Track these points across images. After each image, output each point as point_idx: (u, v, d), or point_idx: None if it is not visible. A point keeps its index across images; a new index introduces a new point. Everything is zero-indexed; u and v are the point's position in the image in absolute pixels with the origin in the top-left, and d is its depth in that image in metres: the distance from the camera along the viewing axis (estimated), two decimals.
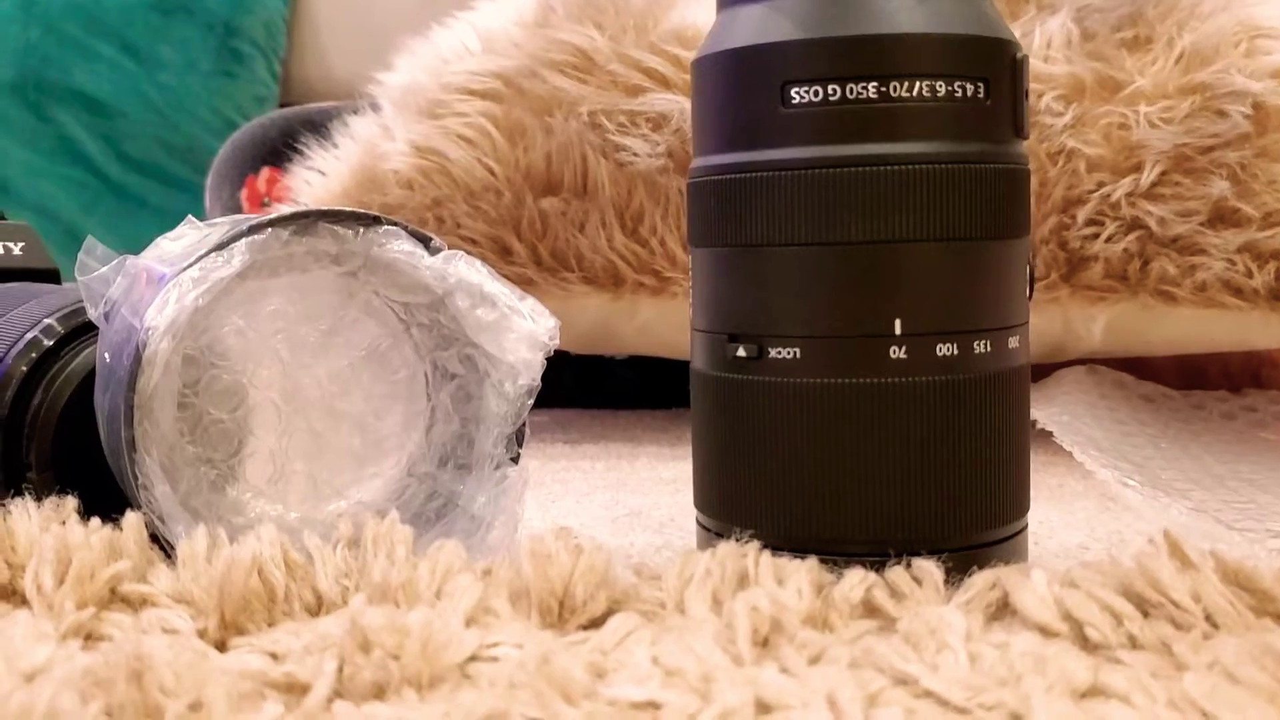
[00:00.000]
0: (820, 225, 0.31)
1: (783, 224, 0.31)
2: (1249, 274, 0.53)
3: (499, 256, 0.58)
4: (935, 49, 0.31)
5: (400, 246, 0.35)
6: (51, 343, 0.37)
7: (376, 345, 0.38)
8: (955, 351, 0.31)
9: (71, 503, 0.33)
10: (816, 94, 0.31)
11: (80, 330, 0.37)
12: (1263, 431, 0.57)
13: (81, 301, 0.38)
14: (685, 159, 0.56)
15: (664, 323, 0.60)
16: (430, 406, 0.39)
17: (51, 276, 0.46)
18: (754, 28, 0.32)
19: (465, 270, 0.36)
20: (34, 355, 0.36)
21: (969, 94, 0.31)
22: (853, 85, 0.30)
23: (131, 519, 0.31)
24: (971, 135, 0.31)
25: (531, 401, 0.37)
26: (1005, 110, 0.32)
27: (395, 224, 0.35)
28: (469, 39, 0.61)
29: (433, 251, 0.36)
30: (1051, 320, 0.56)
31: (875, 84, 0.30)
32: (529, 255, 0.58)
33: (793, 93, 0.31)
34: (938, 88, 0.31)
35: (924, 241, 0.31)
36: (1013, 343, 0.33)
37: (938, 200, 0.31)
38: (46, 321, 0.37)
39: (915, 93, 0.30)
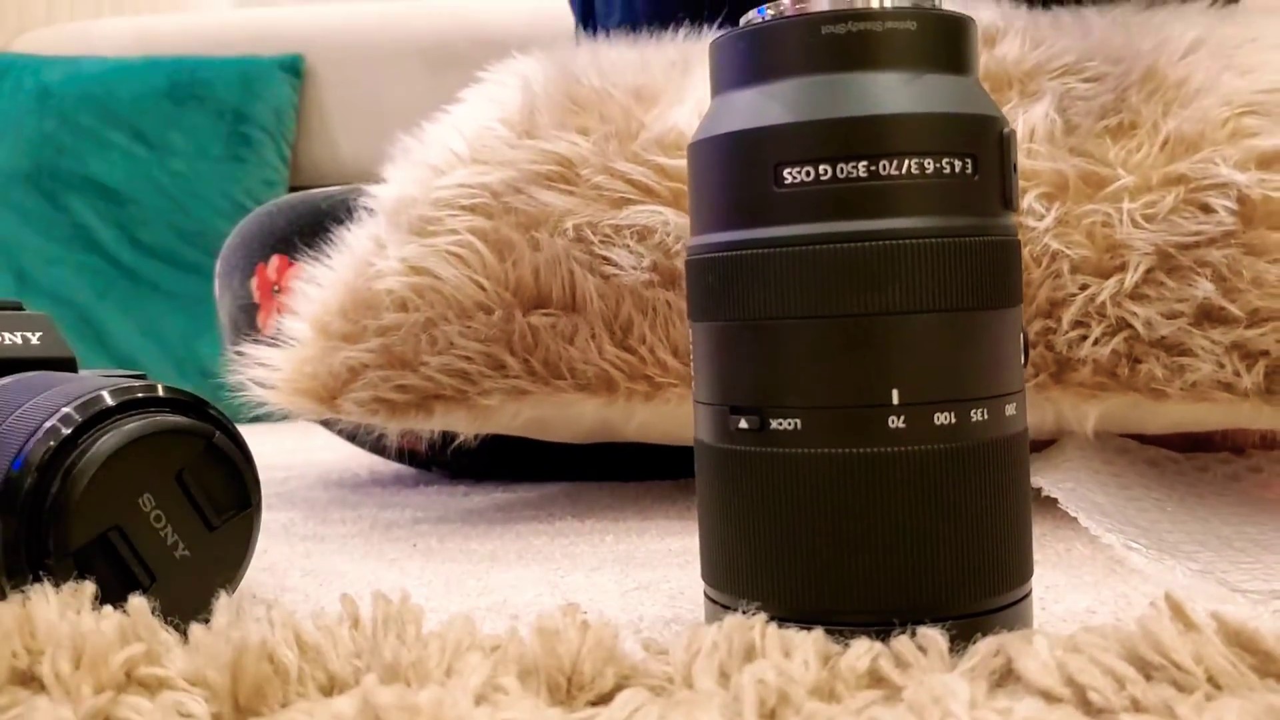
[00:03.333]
0: (815, 299, 0.32)
1: (779, 298, 0.32)
2: (1238, 374, 0.52)
3: (494, 370, 0.58)
4: (922, 128, 0.32)
5: None
6: (69, 431, 0.38)
7: None
8: (953, 420, 0.32)
9: (89, 589, 0.34)
10: (808, 174, 0.32)
11: (98, 418, 0.38)
12: (1268, 492, 0.57)
13: (100, 389, 0.39)
14: (670, 272, 0.56)
15: (662, 419, 0.60)
16: None
17: (68, 365, 0.47)
18: (747, 112, 0.33)
19: None
20: (52, 444, 0.37)
21: (957, 170, 0.32)
22: (843, 165, 0.31)
23: (136, 603, 0.31)
24: (961, 209, 0.32)
25: None
26: (994, 184, 0.33)
27: None
28: (455, 143, 0.61)
29: None
30: (1044, 415, 0.56)
31: (865, 163, 0.31)
32: (522, 368, 0.58)
33: (785, 173, 0.32)
34: (926, 165, 0.32)
35: (918, 313, 0.31)
36: (1010, 410, 0.33)
37: (929, 272, 0.31)
38: (65, 410, 0.38)
39: (904, 170, 0.31)
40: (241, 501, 0.41)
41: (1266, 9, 0.59)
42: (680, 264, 0.55)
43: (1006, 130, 0.33)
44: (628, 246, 0.56)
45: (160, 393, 0.40)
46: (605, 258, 0.57)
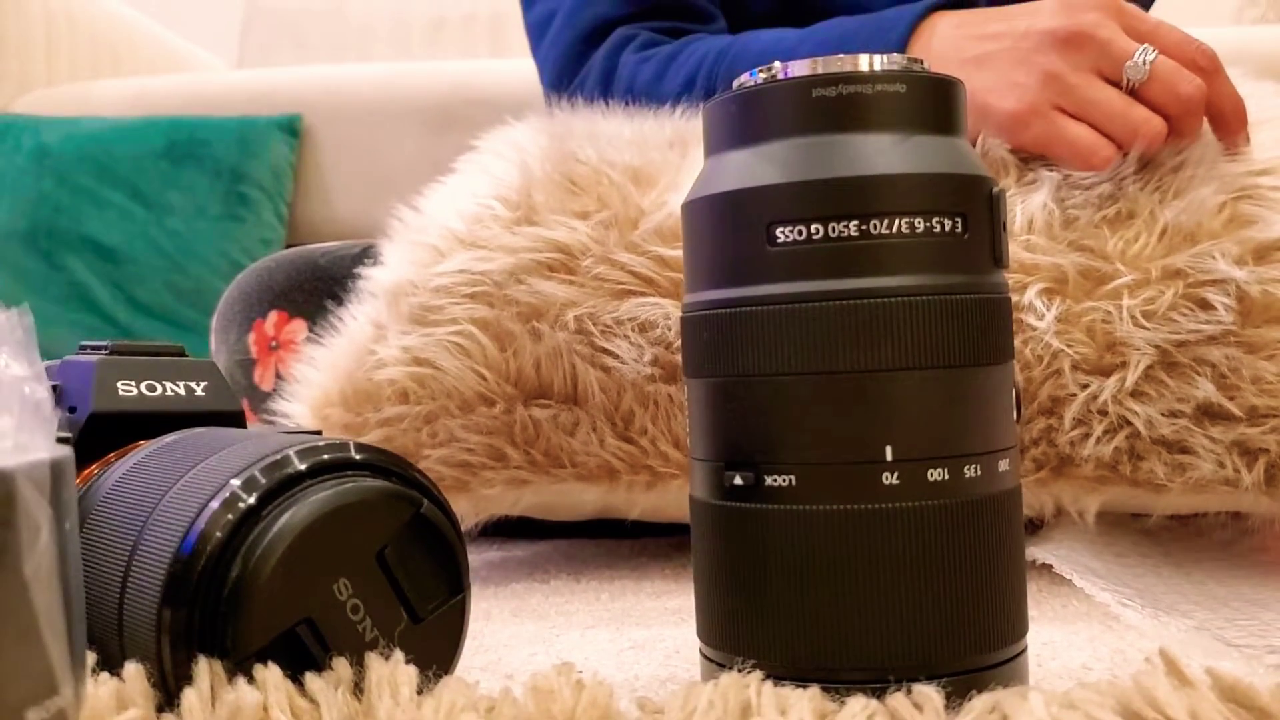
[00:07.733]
0: (808, 356, 0.32)
1: (773, 356, 0.32)
2: (1238, 471, 0.52)
3: (495, 461, 0.58)
4: (912, 188, 0.32)
5: None
6: (253, 500, 0.31)
7: None
8: (946, 476, 0.32)
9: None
10: (800, 233, 0.32)
11: (285, 484, 0.32)
12: (1264, 555, 0.57)
13: (285, 449, 0.33)
14: (672, 366, 0.56)
15: (667, 504, 0.59)
16: None
17: (237, 420, 0.41)
18: (740, 172, 0.33)
19: None
20: (231, 517, 0.31)
21: (947, 229, 0.32)
22: (834, 224, 0.32)
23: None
24: (951, 268, 0.32)
25: None
26: (984, 242, 0.33)
27: None
28: (453, 223, 0.60)
29: None
30: (1044, 503, 0.56)
31: (856, 222, 0.32)
32: (523, 458, 0.58)
33: (778, 232, 0.32)
34: (916, 224, 0.32)
35: (910, 370, 0.32)
36: (1003, 465, 0.33)
37: (921, 330, 0.32)
38: (247, 473, 0.31)
39: (895, 229, 0.32)
40: (453, 586, 0.35)
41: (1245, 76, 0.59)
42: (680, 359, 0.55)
43: (996, 189, 0.34)
44: (628, 339, 0.56)
45: (353, 453, 0.34)
46: (606, 350, 0.56)
